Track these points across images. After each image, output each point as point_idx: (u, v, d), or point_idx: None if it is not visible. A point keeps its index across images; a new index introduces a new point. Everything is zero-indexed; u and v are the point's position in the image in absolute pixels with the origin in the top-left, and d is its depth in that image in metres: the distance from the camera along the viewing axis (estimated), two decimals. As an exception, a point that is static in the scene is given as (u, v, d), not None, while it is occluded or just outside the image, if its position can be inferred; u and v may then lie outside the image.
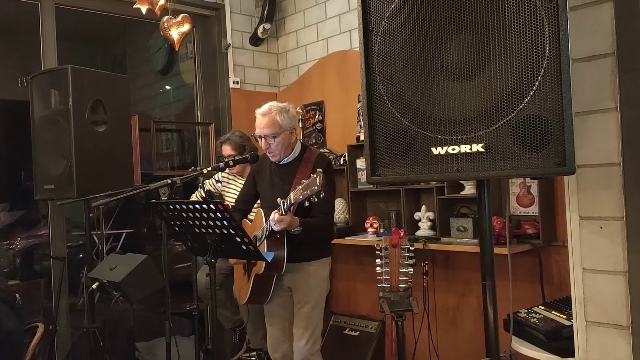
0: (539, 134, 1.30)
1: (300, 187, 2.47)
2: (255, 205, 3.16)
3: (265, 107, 2.84)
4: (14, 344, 2.33)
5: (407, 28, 1.48)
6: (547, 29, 1.28)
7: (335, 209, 3.78)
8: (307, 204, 2.46)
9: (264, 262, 2.65)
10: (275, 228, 2.60)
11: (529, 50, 1.30)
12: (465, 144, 1.40)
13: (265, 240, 2.72)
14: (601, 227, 1.62)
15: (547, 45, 1.28)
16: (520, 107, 1.32)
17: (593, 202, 1.64)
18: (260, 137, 2.82)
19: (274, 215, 2.59)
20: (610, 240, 1.60)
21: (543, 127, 1.30)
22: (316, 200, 2.42)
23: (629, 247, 1.57)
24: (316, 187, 2.38)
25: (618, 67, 1.57)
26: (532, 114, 1.31)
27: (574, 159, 1.28)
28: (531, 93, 1.30)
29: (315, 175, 2.40)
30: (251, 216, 3.17)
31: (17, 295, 2.86)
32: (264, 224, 2.74)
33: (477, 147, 1.39)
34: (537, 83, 1.29)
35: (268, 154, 2.87)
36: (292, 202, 2.50)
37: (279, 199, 2.60)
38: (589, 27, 1.61)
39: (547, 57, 1.28)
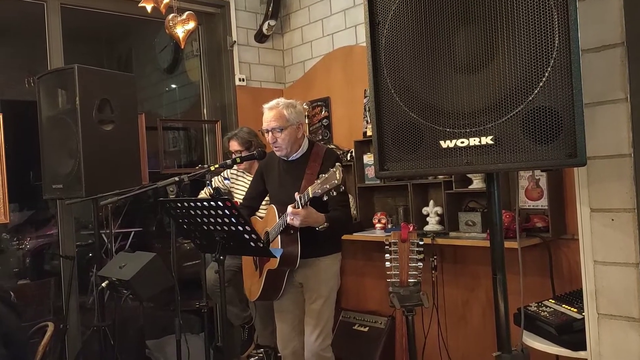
0: (549, 126, 1.29)
1: (319, 181, 2.46)
2: (264, 203, 3.16)
3: (272, 102, 2.89)
4: (12, 341, 2.34)
5: (414, 21, 1.47)
6: (556, 19, 1.26)
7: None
8: (325, 198, 2.46)
9: (278, 258, 2.64)
10: (295, 223, 2.59)
11: (538, 41, 1.28)
12: (474, 136, 1.39)
13: (279, 236, 2.72)
14: (612, 219, 1.61)
15: (557, 35, 1.26)
16: (530, 98, 1.31)
17: (604, 194, 1.63)
18: (268, 131, 2.84)
19: (290, 209, 2.58)
20: (622, 232, 1.59)
21: (553, 119, 1.29)
22: (335, 194, 2.42)
23: (641, 238, 1.56)
24: (336, 181, 2.38)
25: (628, 57, 1.55)
26: (541, 105, 1.30)
27: (585, 151, 1.26)
28: (541, 84, 1.29)
29: (334, 170, 2.40)
30: (261, 213, 3.16)
31: (12, 293, 2.88)
32: (277, 220, 2.74)
33: (487, 140, 1.38)
34: (546, 74, 1.28)
35: (275, 149, 2.88)
36: (311, 196, 2.50)
37: (296, 194, 2.59)
38: (597, 17, 1.60)
39: (557, 47, 1.27)
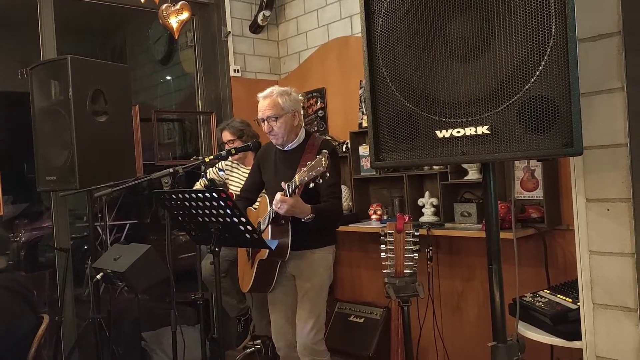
0: (546, 115, 1.28)
1: (305, 168, 2.44)
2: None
3: (267, 91, 2.87)
4: (26, 345, 2.34)
5: (409, 9, 1.45)
6: (553, 7, 1.25)
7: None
8: (312, 185, 2.43)
9: (273, 248, 2.63)
10: (280, 211, 2.56)
11: (535, 29, 1.27)
12: (470, 126, 1.39)
13: (269, 226, 2.71)
14: (608, 209, 1.61)
15: (554, 23, 1.25)
16: (526, 87, 1.30)
17: (600, 184, 1.62)
18: (263, 120, 2.82)
19: (278, 196, 2.57)
20: (618, 222, 1.59)
21: (549, 108, 1.28)
22: (321, 181, 2.40)
23: (636, 228, 1.56)
24: (321, 168, 2.35)
25: (624, 46, 1.55)
26: (538, 94, 1.29)
27: (581, 140, 1.26)
28: (537, 73, 1.28)
29: (320, 156, 2.38)
30: (256, 204, 3.15)
31: (35, 292, 2.87)
32: (268, 210, 2.73)
33: (483, 130, 1.37)
34: (543, 63, 1.27)
35: (271, 137, 2.87)
36: (298, 183, 2.48)
37: (283, 183, 2.58)
38: (594, 6, 1.59)
39: (554, 36, 1.26)
